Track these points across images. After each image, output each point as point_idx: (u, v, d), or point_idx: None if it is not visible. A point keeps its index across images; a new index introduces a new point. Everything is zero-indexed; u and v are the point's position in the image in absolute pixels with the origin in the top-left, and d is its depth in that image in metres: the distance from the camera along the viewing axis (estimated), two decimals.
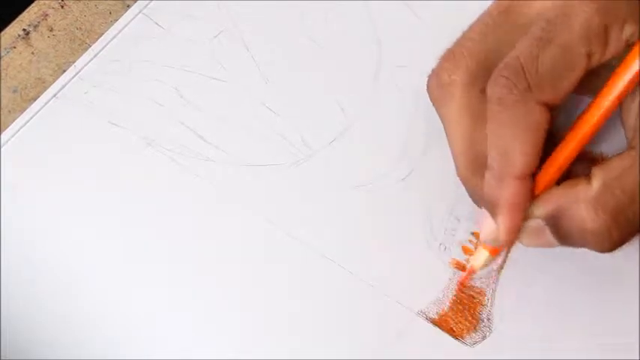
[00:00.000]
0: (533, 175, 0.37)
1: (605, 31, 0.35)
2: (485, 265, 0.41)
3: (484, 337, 0.41)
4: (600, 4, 0.35)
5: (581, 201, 0.36)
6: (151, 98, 0.47)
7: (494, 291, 0.42)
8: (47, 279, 0.42)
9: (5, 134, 0.46)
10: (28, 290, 0.42)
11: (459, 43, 0.39)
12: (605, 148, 0.42)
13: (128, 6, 0.50)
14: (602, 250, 0.37)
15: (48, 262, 0.43)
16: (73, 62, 0.48)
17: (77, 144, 0.46)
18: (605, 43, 0.36)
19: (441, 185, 0.44)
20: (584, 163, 0.38)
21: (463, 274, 0.43)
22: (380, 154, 0.46)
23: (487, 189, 0.37)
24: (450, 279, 0.43)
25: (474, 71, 0.38)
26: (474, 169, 0.38)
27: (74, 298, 0.42)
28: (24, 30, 0.49)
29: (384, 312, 0.42)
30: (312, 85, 0.47)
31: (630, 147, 0.37)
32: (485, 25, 0.38)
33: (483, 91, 0.37)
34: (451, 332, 0.42)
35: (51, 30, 0.49)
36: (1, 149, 0.45)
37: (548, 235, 0.37)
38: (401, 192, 0.45)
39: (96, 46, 0.49)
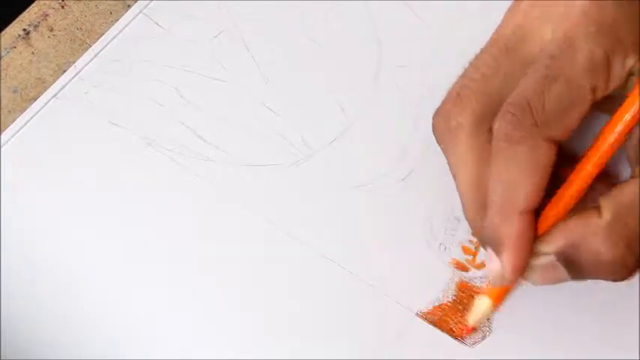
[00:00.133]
0: (538, 212, 0.37)
1: (608, 63, 0.35)
2: (485, 316, 0.41)
3: (484, 338, 0.41)
4: (602, 36, 0.35)
5: (594, 233, 0.35)
6: (151, 98, 0.47)
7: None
8: (47, 279, 0.42)
9: (5, 134, 0.46)
10: (28, 290, 0.42)
11: (463, 84, 0.39)
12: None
13: (128, 6, 0.50)
14: (618, 280, 0.37)
15: (48, 262, 0.43)
16: (74, 62, 0.48)
17: (77, 144, 0.46)
18: (609, 75, 0.36)
19: (441, 185, 0.44)
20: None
21: (463, 273, 0.43)
22: (380, 154, 0.46)
23: (490, 226, 0.37)
24: (449, 279, 0.43)
25: (480, 113, 0.38)
26: (480, 210, 0.38)
27: (74, 298, 0.42)
28: (24, 30, 0.49)
29: (384, 312, 0.42)
30: (312, 85, 0.47)
31: (635, 175, 0.37)
32: (488, 64, 0.38)
33: (490, 130, 0.37)
34: (451, 332, 0.42)
35: (51, 30, 0.49)
36: (1, 149, 0.45)
37: (561, 271, 0.37)
38: (401, 192, 0.45)
39: (96, 46, 0.49)
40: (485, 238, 0.38)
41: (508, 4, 0.41)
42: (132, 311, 0.42)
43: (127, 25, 0.49)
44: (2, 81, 0.48)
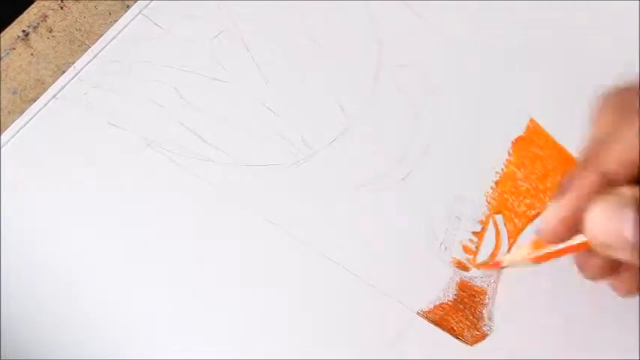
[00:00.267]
0: None
1: None
2: (518, 263, 0.38)
3: (485, 337, 0.41)
4: None
5: None
6: (150, 99, 0.47)
7: (495, 290, 0.42)
8: (47, 279, 0.42)
9: (5, 135, 0.46)
10: (28, 290, 0.42)
11: None
12: None
13: (128, 7, 0.50)
14: None
15: (48, 262, 0.43)
16: (73, 63, 0.48)
17: (77, 145, 0.46)
18: None
19: (441, 185, 0.44)
20: None
21: (464, 272, 0.43)
22: (380, 154, 0.46)
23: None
24: (450, 278, 0.43)
25: None
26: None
27: (74, 298, 0.42)
28: (23, 31, 0.49)
29: (385, 311, 0.42)
30: (312, 85, 0.47)
31: None
32: None
33: None
34: (452, 331, 0.42)
35: (50, 31, 0.49)
36: (1, 150, 0.45)
37: (623, 222, 0.32)
38: (401, 192, 0.45)
39: (95, 47, 0.49)
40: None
41: (508, 4, 0.42)
42: (132, 311, 0.42)
43: (126, 26, 0.49)
44: (2, 82, 0.48)
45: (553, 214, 0.35)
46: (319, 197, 0.45)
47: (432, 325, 0.42)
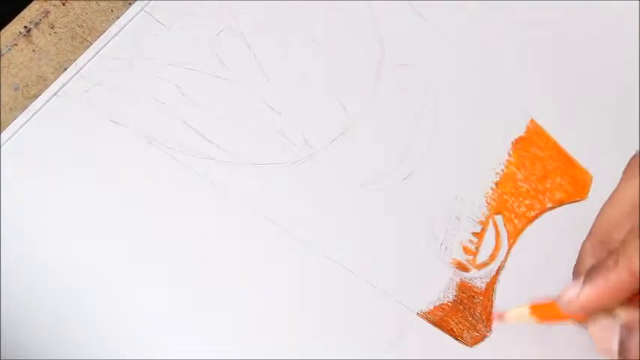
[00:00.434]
0: None
1: None
2: (518, 319, 0.40)
3: (484, 338, 0.41)
4: None
5: None
6: (152, 96, 0.47)
7: (494, 291, 0.42)
8: (47, 279, 0.42)
9: (6, 132, 0.46)
10: (28, 290, 0.42)
11: None
12: None
13: (130, 3, 0.50)
14: None
15: (48, 262, 0.43)
16: (75, 60, 0.48)
17: (78, 142, 0.46)
18: None
19: (441, 185, 0.44)
20: None
21: (464, 273, 0.43)
22: (381, 154, 0.45)
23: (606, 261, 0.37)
24: (450, 279, 0.43)
25: None
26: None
27: (74, 298, 0.42)
28: (25, 27, 0.49)
29: (385, 312, 0.42)
30: (313, 84, 0.47)
31: None
32: None
33: None
34: (451, 332, 0.42)
35: (52, 27, 0.49)
36: (2, 147, 0.45)
37: (612, 338, 0.37)
38: (401, 192, 0.45)
39: (97, 44, 0.48)
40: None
41: (508, 4, 0.41)
42: (132, 311, 0.42)
43: (128, 23, 0.49)
44: (3, 78, 0.48)
45: (577, 297, 0.37)
46: (320, 196, 0.45)
47: (431, 326, 0.42)
